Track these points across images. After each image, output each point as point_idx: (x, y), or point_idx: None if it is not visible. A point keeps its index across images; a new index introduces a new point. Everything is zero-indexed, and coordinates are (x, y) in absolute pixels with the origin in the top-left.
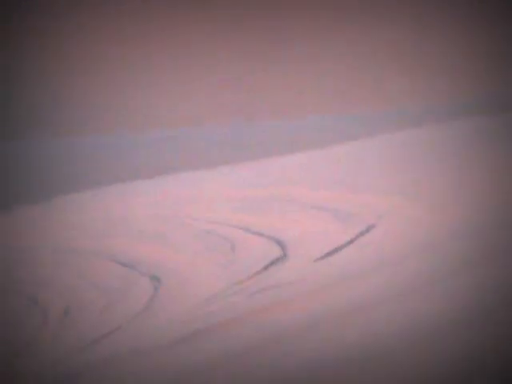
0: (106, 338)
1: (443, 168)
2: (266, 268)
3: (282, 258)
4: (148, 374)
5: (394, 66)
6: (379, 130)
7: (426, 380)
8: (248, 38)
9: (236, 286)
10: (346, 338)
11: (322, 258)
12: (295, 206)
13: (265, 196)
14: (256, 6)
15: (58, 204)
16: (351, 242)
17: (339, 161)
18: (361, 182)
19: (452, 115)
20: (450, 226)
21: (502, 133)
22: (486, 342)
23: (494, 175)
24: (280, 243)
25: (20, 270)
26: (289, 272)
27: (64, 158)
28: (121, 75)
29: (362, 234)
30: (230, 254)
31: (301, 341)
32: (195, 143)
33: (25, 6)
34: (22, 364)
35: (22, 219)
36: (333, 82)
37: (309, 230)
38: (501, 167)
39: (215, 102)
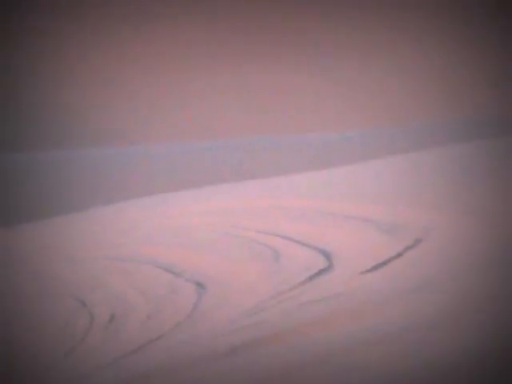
0: (151, 344)
1: (494, 182)
2: (311, 278)
3: (328, 268)
4: None
5: (436, 78)
6: (428, 144)
7: None
8: (276, 55)
9: (281, 295)
10: (397, 355)
11: (369, 270)
12: (340, 217)
13: (310, 208)
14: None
15: (107, 212)
16: (398, 255)
17: (385, 175)
18: (407, 196)
19: (502, 128)
20: (503, 241)
21: None
22: None
23: None
24: (325, 254)
25: (70, 275)
26: (335, 283)
27: (110, 165)
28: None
29: (409, 247)
30: (275, 263)
31: (352, 356)
32: (242, 155)
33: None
34: (67, 367)
35: (68, 226)
36: (373, 96)
37: (354, 242)
38: None
39: (255, 115)
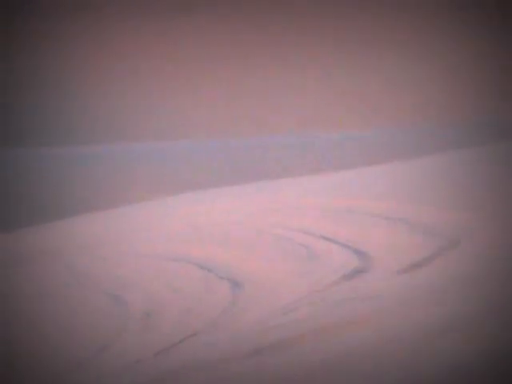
0: (183, 343)
1: None
2: (345, 278)
3: (362, 269)
4: None
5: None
6: (464, 144)
7: None
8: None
9: (315, 295)
10: (429, 357)
11: (404, 271)
12: (376, 217)
13: (345, 207)
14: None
15: (142, 208)
16: (433, 256)
17: (422, 175)
18: (444, 197)
19: None
20: None
21: None
22: None
23: None
24: (360, 254)
25: (105, 272)
26: (369, 284)
27: (138, 162)
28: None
29: (444, 249)
30: (309, 262)
31: (380, 359)
32: (275, 153)
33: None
34: (102, 363)
35: (104, 222)
36: (410, 94)
37: (389, 242)
38: None
39: (295, 113)
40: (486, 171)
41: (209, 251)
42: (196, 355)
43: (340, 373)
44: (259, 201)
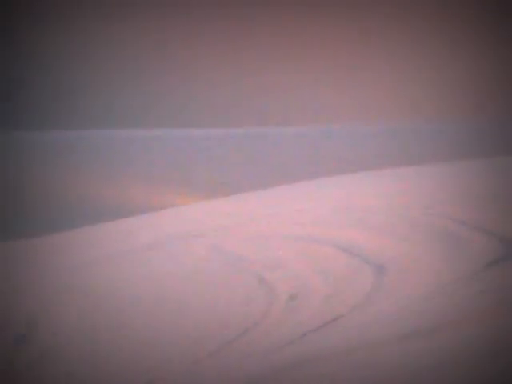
0: (325, 327)
1: None
2: (488, 266)
3: (507, 257)
4: (362, 372)
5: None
6: None
7: None
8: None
9: (458, 282)
10: None
11: None
12: None
13: (488, 191)
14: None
15: (288, 190)
16: None
17: None
18: None
19: None
20: None
21: None
22: None
23: None
24: (505, 241)
25: (251, 253)
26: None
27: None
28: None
29: None
30: (452, 247)
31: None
32: (402, 139)
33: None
34: (245, 346)
35: (250, 202)
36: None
37: None
38: None
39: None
40: None
41: (353, 235)
42: (341, 338)
43: (477, 363)
44: (402, 185)
